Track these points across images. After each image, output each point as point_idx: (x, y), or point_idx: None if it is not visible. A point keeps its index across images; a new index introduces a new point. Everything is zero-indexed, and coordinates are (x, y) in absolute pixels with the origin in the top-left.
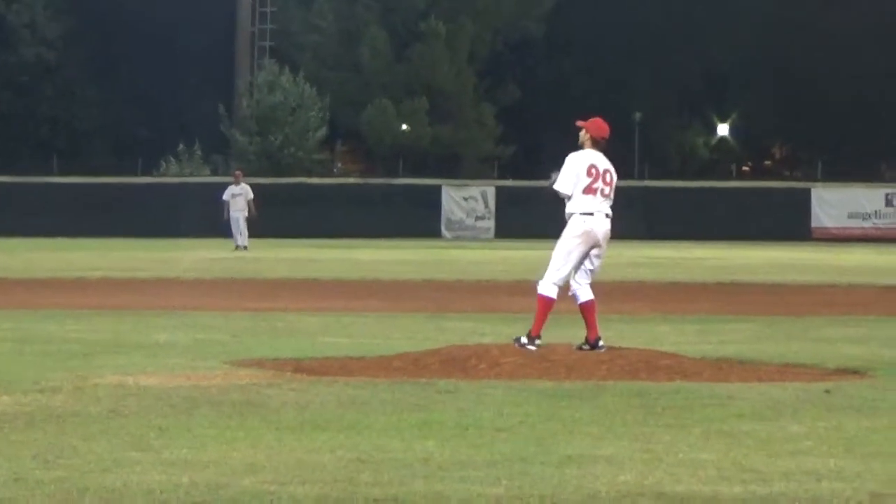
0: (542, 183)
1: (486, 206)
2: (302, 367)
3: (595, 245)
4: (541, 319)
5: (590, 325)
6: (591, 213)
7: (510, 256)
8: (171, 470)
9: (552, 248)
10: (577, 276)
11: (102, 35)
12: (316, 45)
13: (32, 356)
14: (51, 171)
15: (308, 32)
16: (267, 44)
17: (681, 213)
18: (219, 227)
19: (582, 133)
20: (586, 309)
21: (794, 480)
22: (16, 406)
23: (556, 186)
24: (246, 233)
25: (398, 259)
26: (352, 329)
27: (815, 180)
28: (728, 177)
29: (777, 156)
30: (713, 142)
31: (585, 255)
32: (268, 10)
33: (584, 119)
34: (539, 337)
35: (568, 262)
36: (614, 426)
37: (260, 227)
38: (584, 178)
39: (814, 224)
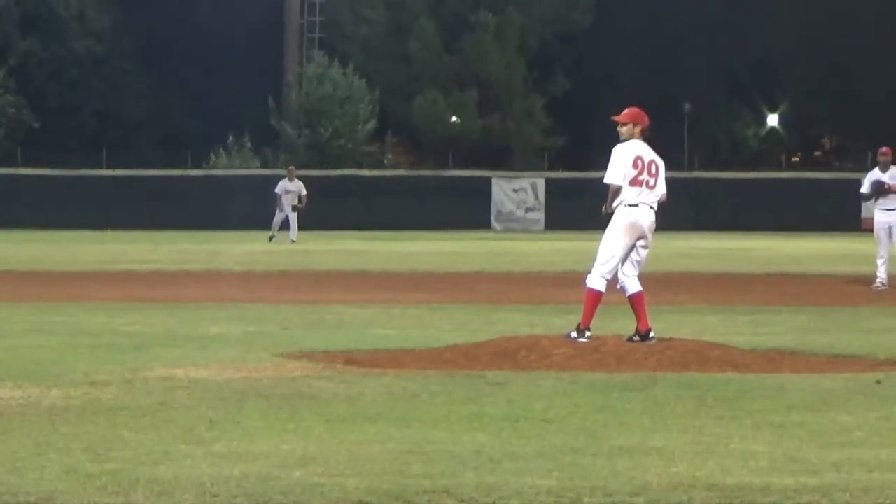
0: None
1: (536, 197)
2: (352, 359)
3: (641, 236)
4: (590, 312)
5: (639, 316)
6: (637, 205)
7: (560, 248)
8: (221, 462)
9: (601, 241)
10: (624, 268)
11: (150, 27)
12: (365, 37)
13: (83, 349)
14: (100, 163)
15: (358, 24)
16: (316, 35)
17: (730, 203)
18: (269, 219)
19: (628, 126)
20: (635, 301)
21: (845, 471)
22: (66, 399)
23: (606, 179)
24: (296, 226)
25: (448, 251)
26: (402, 321)
27: (865, 171)
28: (777, 167)
29: (827, 146)
30: (763, 132)
31: (632, 247)
32: (317, 1)
33: (618, 114)
34: (589, 329)
35: (615, 255)
36: (665, 418)
37: (310, 219)
38: (630, 169)
39: (864, 214)
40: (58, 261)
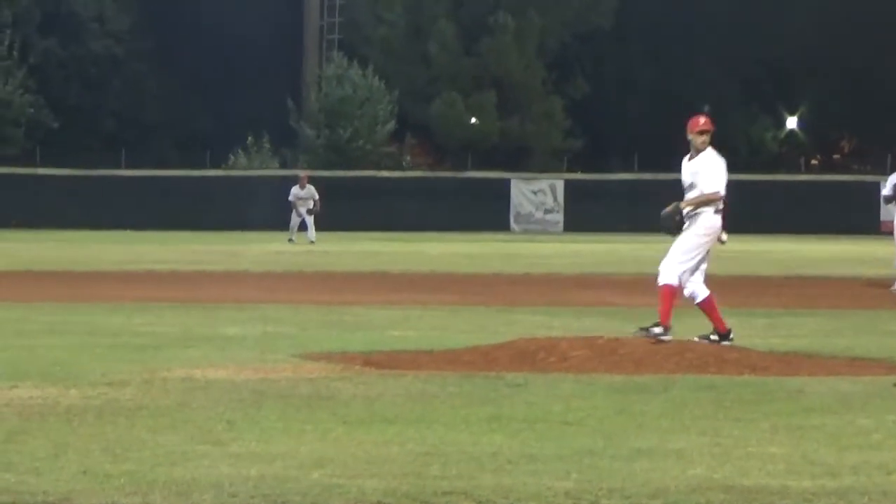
0: (612, 177)
1: (555, 199)
2: (371, 360)
3: (713, 242)
4: (669, 308)
5: (715, 319)
6: (721, 211)
7: (579, 250)
8: (239, 463)
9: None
10: (693, 276)
11: (169, 28)
12: (384, 39)
13: (101, 349)
14: (119, 164)
15: (377, 25)
16: (336, 37)
17: (748, 206)
18: (288, 220)
19: (705, 136)
20: (708, 305)
21: (864, 474)
22: (84, 399)
23: (714, 188)
24: (313, 227)
25: (467, 252)
26: (420, 322)
27: (884, 173)
28: (797, 170)
29: (846, 149)
30: (782, 135)
31: (708, 253)
32: (336, 2)
33: (685, 124)
34: (670, 327)
35: (695, 256)
36: (683, 420)
37: (328, 220)
38: (726, 175)
39: (883, 217)
40: (76, 261)
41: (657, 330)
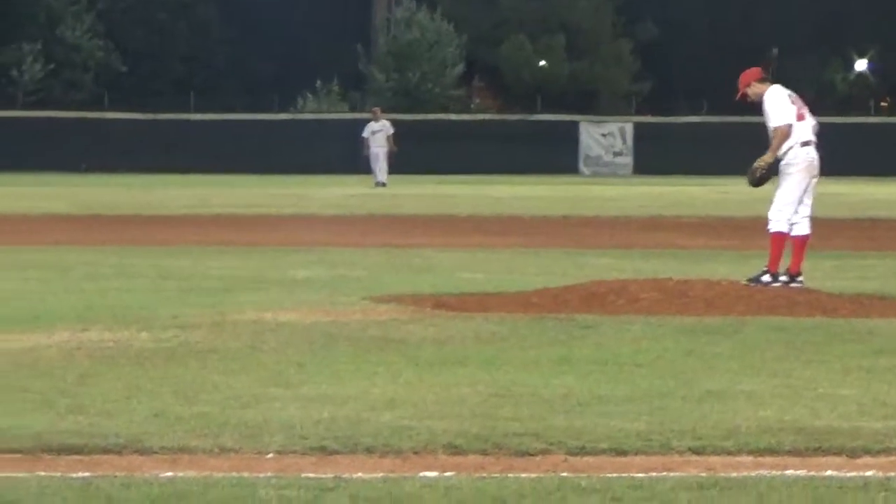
0: (681, 119)
1: (624, 142)
2: (440, 302)
3: (814, 175)
4: (778, 256)
5: (796, 257)
6: (809, 142)
7: (648, 192)
8: (310, 405)
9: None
10: (800, 209)
11: None
12: None
13: (171, 292)
14: (188, 108)
15: None
16: None
17: (818, 148)
18: (357, 163)
19: (753, 86)
20: (799, 242)
21: None
22: (155, 342)
23: (774, 122)
24: (386, 169)
25: (536, 195)
26: (489, 265)
27: None
28: (865, 112)
29: None
30: (851, 77)
31: (808, 186)
32: None
33: (738, 76)
34: (779, 273)
35: (796, 197)
36: (754, 361)
37: (397, 163)
38: (790, 106)
39: None
40: (145, 205)
41: (766, 278)
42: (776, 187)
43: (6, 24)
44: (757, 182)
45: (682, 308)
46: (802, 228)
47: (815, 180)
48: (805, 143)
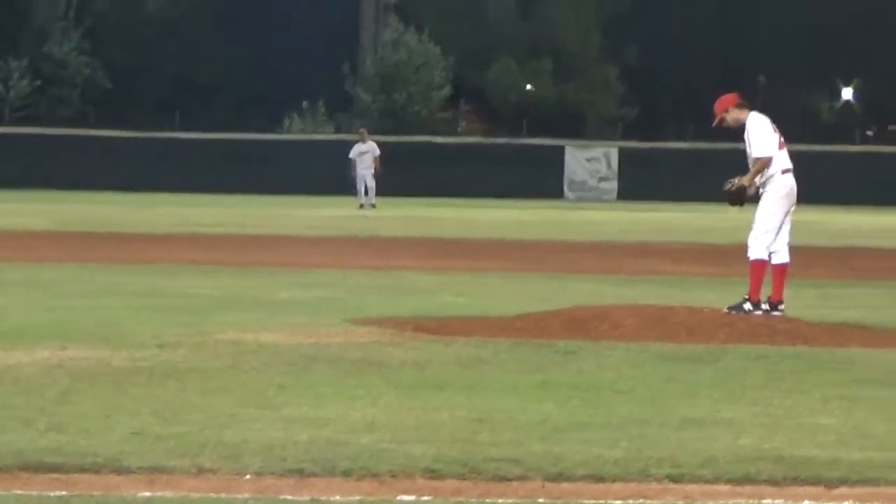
0: (667, 145)
1: (610, 166)
2: (422, 325)
3: (793, 203)
4: (758, 284)
5: (776, 286)
6: (789, 170)
7: (633, 218)
8: (290, 427)
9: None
10: (778, 238)
11: None
12: (441, 3)
13: (153, 311)
14: (173, 126)
15: None
16: (392, 1)
17: (802, 177)
18: (342, 185)
19: (731, 112)
20: (779, 270)
21: None
22: (135, 361)
23: (761, 152)
24: (374, 191)
25: (520, 219)
26: (472, 289)
27: None
28: (851, 141)
29: None
30: (837, 106)
31: (787, 214)
32: None
33: (713, 105)
34: (760, 301)
35: (776, 224)
36: (733, 390)
37: (382, 184)
38: (774, 135)
39: None
40: (129, 223)
41: (748, 306)
42: (756, 213)
43: None
44: (733, 196)
45: (663, 335)
46: (782, 256)
47: (793, 207)
48: (785, 171)
